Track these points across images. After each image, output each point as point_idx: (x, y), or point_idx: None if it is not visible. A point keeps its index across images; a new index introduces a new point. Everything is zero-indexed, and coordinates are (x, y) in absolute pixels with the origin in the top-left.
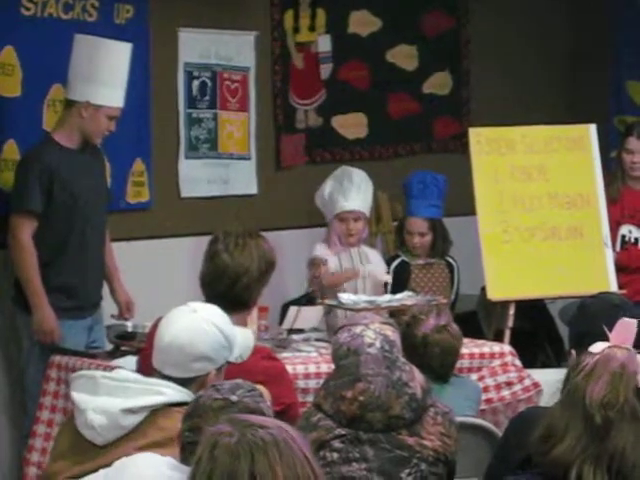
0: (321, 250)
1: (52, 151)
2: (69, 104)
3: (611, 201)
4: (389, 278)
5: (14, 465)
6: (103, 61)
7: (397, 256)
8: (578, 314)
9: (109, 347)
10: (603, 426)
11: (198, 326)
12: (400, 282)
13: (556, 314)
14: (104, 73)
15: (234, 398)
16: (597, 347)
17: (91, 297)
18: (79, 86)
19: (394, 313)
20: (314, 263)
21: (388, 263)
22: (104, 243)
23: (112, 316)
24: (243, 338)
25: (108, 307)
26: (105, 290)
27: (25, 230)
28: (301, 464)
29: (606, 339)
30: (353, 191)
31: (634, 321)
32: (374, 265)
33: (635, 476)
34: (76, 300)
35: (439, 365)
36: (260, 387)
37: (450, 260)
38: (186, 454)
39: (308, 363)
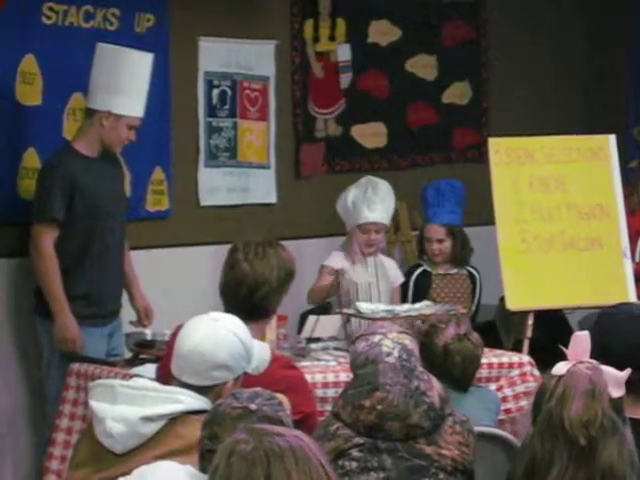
0: (337, 258)
1: (73, 160)
2: (90, 113)
3: (631, 212)
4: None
5: (34, 473)
6: (124, 71)
7: (419, 265)
8: (597, 325)
9: (128, 355)
10: (588, 446)
11: (220, 335)
12: (421, 291)
13: (575, 324)
14: (125, 83)
15: (253, 406)
16: (559, 368)
17: (111, 304)
18: (100, 95)
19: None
20: (323, 272)
21: (410, 272)
22: (124, 251)
23: (131, 322)
24: (260, 350)
25: (127, 314)
26: (124, 298)
27: (47, 238)
28: (317, 471)
29: (622, 349)
30: (377, 202)
31: (586, 333)
32: (390, 273)
33: None
34: (96, 308)
35: (460, 374)
36: (279, 395)
37: (472, 270)
38: (205, 462)
39: (327, 372)
